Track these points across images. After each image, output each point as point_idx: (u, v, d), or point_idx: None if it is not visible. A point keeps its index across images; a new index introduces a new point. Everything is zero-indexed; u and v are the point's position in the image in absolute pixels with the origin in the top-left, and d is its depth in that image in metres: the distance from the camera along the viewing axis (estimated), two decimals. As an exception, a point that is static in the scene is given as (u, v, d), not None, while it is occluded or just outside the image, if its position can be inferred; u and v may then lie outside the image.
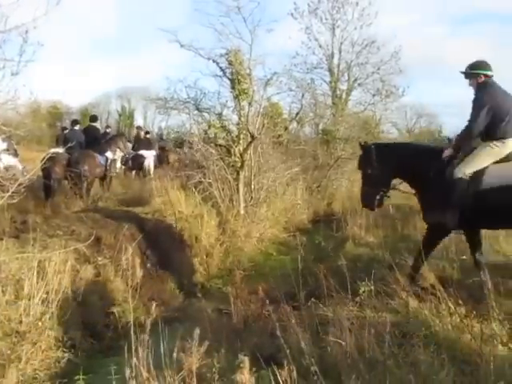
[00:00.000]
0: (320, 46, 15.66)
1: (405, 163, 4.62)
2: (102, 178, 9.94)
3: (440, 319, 3.39)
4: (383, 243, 5.97)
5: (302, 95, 13.18)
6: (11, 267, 4.04)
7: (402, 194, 5.23)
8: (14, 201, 3.86)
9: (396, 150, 4.96)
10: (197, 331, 2.42)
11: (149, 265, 6.18)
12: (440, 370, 2.65)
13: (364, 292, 3.77)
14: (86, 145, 9.63)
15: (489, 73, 4.30)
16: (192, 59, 8.12)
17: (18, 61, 3.43)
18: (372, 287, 3.73)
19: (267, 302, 3.65)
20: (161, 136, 19.45)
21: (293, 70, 15.02)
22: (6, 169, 9.00)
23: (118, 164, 11.57)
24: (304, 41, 15.48)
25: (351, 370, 2.73)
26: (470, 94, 4.38)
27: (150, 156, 13.60)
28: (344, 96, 16.00)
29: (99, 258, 5.31)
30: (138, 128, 16.30)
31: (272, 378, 2.33)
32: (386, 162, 4.68)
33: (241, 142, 8.14)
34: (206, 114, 8.44)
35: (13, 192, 3.68)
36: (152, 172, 12.86)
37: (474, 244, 4.45)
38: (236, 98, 8.13)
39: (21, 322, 3.69)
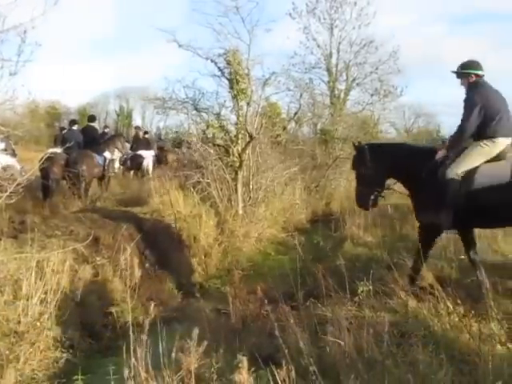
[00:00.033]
0: (318, 46, 15.70)
1: (398, 163, 4.63)
2: (101, 178, 9.92)
3: (438, 319, 3.39)
4: (381, 243, 5.95)
5: (301, 95, 13.20)
6: (9, 267, 4.03)
7: (399, 193, 5.23)
8: (12, 201, 3.87)
9: (390, 150, 4.97)
10: (195, 331, 2.42)
11: (147, 265, 6.17)
12: (438, 370, 2.65)
13: (362, 292, 3.77)
14: (84, 145, 9.59)
15: (480, 72, 4.32)
16: (190, 59, 8.15)
17: (16, 61, 3.43)
18: (370, 287, 3.73)
19: (266, 301, 3.64)
20: (159, 136, 19.49)
21: (291, 69, 15.05)
22: (4, 169, 8.97)
23: (117, 164, 11.55)
24: (302, 41, 15.53)
25: (350, 369, 2.73)
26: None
27: (148, 156, 13.61)
28: (342, 96, 16.00)
29: (97, 258, 5.31)
30: (137, 128, 16.31)
31: (270, 377, 2.34)
32: (379, 162, 4.68)
33: (239, 141, 8.13)
34: (204, 114, 8.42)
35: (11, 192, 3.68)
36: (150, 172, 12.88)
37: (468, 243, 4.46)
38: (234, 97, 8.13)
39: (19, 322, 3.68)
